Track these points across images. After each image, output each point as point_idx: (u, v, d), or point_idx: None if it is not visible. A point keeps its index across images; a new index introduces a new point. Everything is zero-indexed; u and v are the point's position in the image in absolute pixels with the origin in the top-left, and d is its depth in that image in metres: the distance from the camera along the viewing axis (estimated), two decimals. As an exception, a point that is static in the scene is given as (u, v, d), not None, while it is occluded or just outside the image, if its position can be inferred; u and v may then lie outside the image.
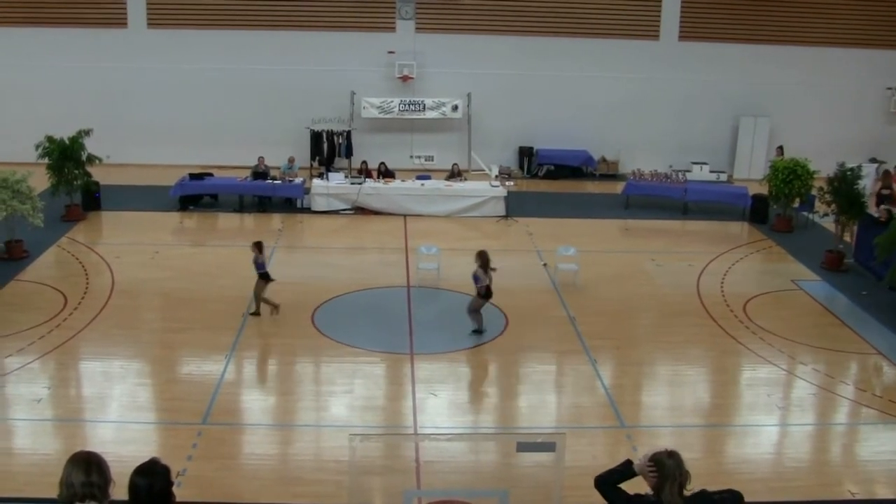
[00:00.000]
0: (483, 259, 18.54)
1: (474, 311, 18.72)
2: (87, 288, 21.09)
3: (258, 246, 19.40)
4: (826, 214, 25.15)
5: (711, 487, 7.17)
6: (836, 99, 34.15)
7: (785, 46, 33.65)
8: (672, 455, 6.87)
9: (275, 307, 19.41)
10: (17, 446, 14.37)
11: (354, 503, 11.76)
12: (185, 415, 15.18)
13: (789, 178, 26.48)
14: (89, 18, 32.79)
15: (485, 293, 18.58)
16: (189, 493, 12.02)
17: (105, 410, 15.55)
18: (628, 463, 7.13)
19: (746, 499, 7.23)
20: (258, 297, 19.39)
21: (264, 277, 19.43)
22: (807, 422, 15.78)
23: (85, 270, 22.31)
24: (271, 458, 14.18)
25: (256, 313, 19.42)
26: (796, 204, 27.40)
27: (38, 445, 14.27)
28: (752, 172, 33.37)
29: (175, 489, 6.54)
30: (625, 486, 7.17)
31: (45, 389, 15.97)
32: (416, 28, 33.37)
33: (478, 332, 18.65)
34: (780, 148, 31.57)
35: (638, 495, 6.98)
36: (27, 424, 14.92)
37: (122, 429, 14.84)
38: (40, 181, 24.82)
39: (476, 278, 18.53)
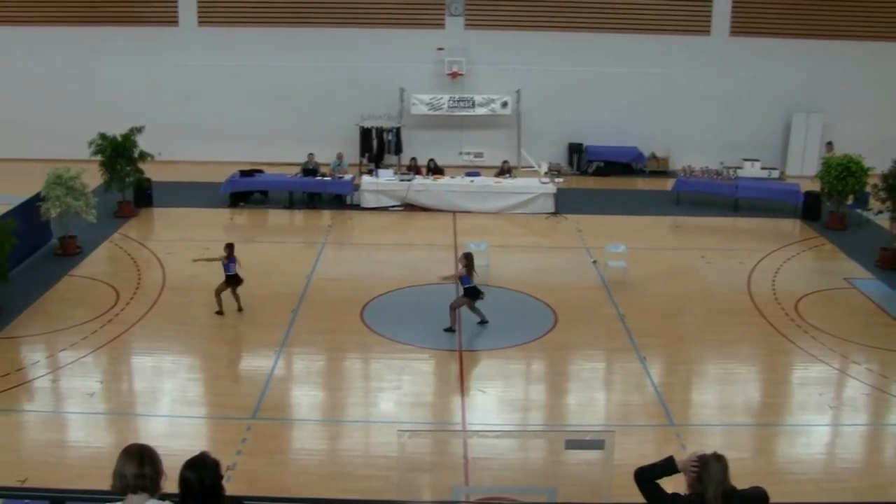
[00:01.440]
0: (468, 261, 18.58)
1: (455, 308, 18.67)
2: (138, 284, 21.31)
3: (230, 247, 19.59)
4: (881, 212, 24.73)
5: (740, 486, 7.10)
6: (891, 94, 33.62)
7: (838, 41, 33.18)
8: (719, 458, 6.84)
9: (219, 312, 19.56)
10: (71, 439, 14.58)
11: (403, 499, 11.79)
12: (234, 410, 15.31)
13: (843, 174, 26.13)
14: (141, 17, 33.08)
15: (471, 293, 18.63)
16: (238, 488, 12.12)
17: (156, 405, 15.73)
18: (671, 459, 7.09)
19: (797, 499, 7.16)
20: (228, 296, 19.59)
21: (230, 280, 19.57)
22: (860, 422, 15.59)
23: (137, 266, 22.55)
24: (320, 454, 14.27)
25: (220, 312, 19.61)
26: (850, 201, 27.00)
27: (91, 438, 14.47)
28: (804, 169, 32.92)
29: (224, 483, 6.58)
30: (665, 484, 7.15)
31: (98, 384, 16.19)
32: (466, 24, 33.33)
33: (450, 329, 18.60)
34: (830, 143, 31.18)
35: (676, 494, 6.95)
36: (81, 418, 15.12)
37: (173, 423, 15.00)
38: (93, 178, 25.10)
39: (464, 279, 18.57)
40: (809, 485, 13.13)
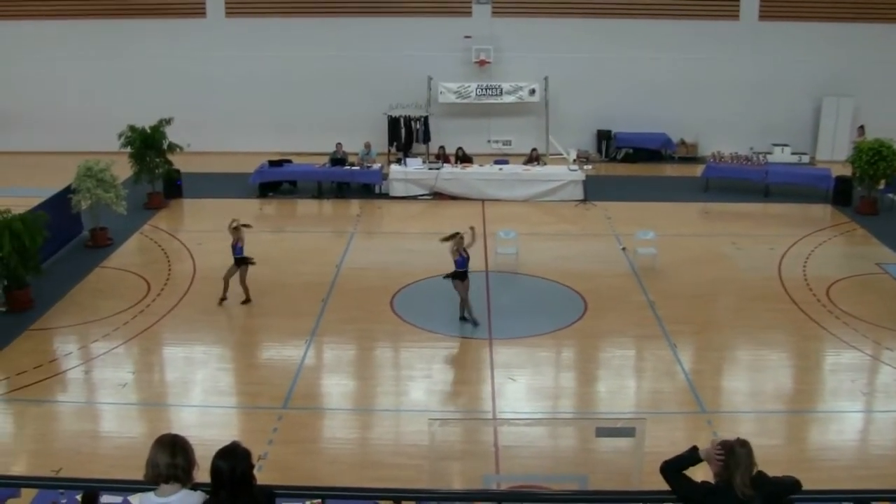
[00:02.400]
0: (456, 243, 18.33)
1: (465, 299, 18.51)
2: (169, 274, 21.43)
3: (237, 229, 19.59)
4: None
5: (773, 473, 7.05)
6: (923, 77, 33.31)
7: (868, 24, 32.84)
8: (744, 444, 6.80)
9: (234, 297, 19.63)
10: (104, 429, 14.71)
11: (434, 487, 11.81)
12: (265, 399, 15.39)
13: (874, 159, 25.93)
14: (169, 9, 33.21)
15: (460, 275, 18.38)
16: (270, 477, 12.17)
17: (188, 395, 15.84)
18: (694, 449, 7.07)
19: (830, 486, 7.10)
20: (241, 283, 19.61)
21: (239, 262, 19.61)
22: (893, 408, 15.44)
23: (167, 257, 22.67)
24: (351, 443, 14.32)
25: (247, 300, 19.64)
26: (881, 186, 26.80)
27: (123, 429, 14.60)
28: (835, 154, 32.65)
29: (256, 472, 6.61)
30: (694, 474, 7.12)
31: (130, 374, 16.31)
32: (493, 12, 33.22)
33: (473, 322, 18.48)
34: (862, 127, 30.92)
35: (705, 482, 6.92)
36: (113, 408, 15.25)
37: (205, 413, 15.10)
38: (123, 170, 25.29)
39: (458, 261, 18.36)
40: (842, 471, 13.07)
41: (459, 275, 18.31)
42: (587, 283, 20.59)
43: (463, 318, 18.58)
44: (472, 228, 19.12)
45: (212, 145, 32.79)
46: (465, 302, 18.49)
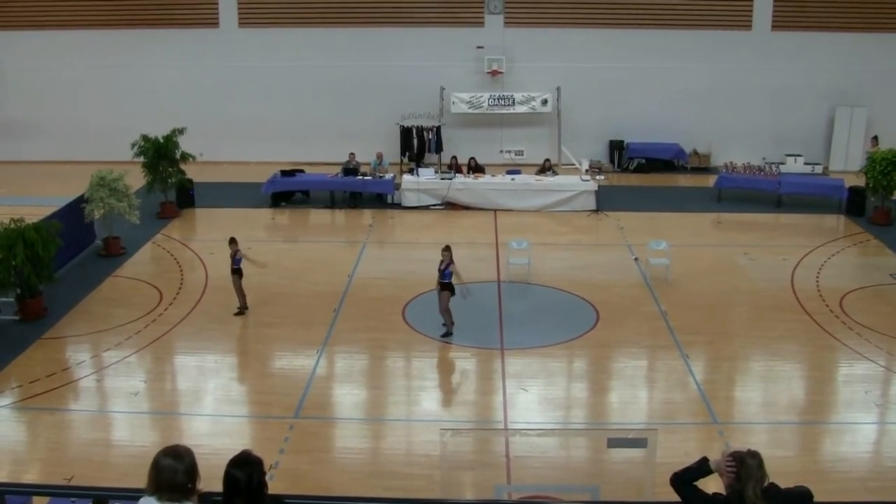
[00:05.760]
0: (450, 252, 18.33)
1: (446, 310, 18.47)
2: (181, 284, 21.48)
3: (234, 241, 19.66)
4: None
5: (785, 485, 7.03)
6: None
7: (882, 34, 32.77)
8: (754, 455, 6.78)
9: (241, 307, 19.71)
10: (116, 438, 14.74)
11: (446, 497, 11.80)
12: (277, 409, 15.40)
13: (888, 169, 25.84)
14: (182, 19, 33.33)
15: (449, 288, 18.39)
16: (281, 486, 12.17)
17: (200, 404, 15.85)
18: (704, 460, 7.06)
19: (843, 498, 7.06)
20: (241, 293, 19.69)
21: (238, 273, 19.66)
22: (906, 419, 15.42)
23: (179, 266, 22.72)
24: (362, 452, 14.30)
25: (241, 312, 19.68)
26: (895, 196, 26.72)
27: (135, 437, 14.62)
28: (848, 164, 32.60)
29: (267, 481, 6.61)
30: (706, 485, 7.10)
31: (142, 383, 16.34)
32: (505, 22, 33.25)
33: (448, 333, 18.44)
34: (875, 138, 30.84)
35: (717, 494, 6.90)
36: (125, 417, 15.28)
37: (217, 422, 15.11)
38: (136, 179, 25.39)
39: (447, 273, 18.32)
40: (856, 483, 13.00)
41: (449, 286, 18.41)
42: (599, 294, 20.56)
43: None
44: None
45: (224, 155, 32.93)
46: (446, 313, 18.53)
